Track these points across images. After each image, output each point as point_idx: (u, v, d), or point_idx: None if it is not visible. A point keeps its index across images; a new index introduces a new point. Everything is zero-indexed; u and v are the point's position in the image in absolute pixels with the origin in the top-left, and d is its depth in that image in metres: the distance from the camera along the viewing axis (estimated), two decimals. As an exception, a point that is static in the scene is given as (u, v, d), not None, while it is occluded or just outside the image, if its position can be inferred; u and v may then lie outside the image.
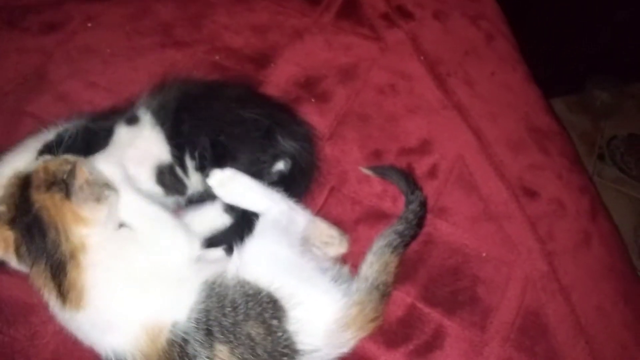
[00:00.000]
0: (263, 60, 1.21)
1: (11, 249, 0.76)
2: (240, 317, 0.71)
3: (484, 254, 1.00)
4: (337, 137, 1.11)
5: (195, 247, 0.81)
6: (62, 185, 0.73)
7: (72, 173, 0.72)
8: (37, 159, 0.81)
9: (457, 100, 1.18)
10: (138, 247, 0.76)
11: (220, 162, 0.91)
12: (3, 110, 1.08)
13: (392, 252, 0.87)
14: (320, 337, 0.74)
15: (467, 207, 1.05)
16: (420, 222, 0.94)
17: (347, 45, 1.24)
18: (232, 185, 0.86)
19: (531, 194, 1.09)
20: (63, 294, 0.73)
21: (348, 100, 1.16)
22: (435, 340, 0.93)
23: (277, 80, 1.17)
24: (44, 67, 1.15)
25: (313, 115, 1.11)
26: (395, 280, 0.88)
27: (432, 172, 1.07)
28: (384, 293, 0.83)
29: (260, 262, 0.77)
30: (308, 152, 1.00)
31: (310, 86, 1.17)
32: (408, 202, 0.96)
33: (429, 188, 1.03)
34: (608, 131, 2.23)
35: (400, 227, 0.91)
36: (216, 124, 0.94)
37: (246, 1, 1.30)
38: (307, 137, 1.02)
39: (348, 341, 0.78)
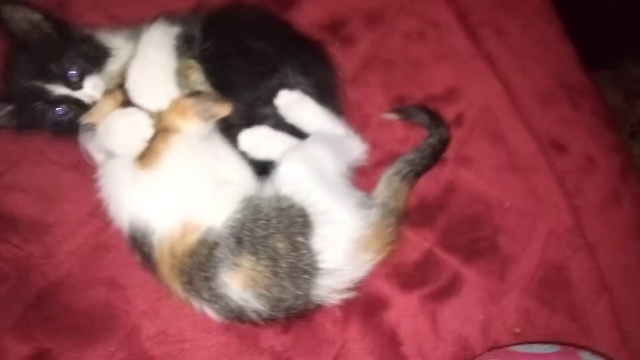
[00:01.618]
0: (287, 1, 1.20)
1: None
2: (271, 230, 0.76)
3: (507, 205, 1.00)
4: (360, 82, 1.10)
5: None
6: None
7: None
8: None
9: (487, 51, 1.16)
10: (212, 159, 0.85)
11: (221, 92, 0.90)
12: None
13: (401, 180, 0.89)
14: (340, 256, 0.78)
15: (492, 157, 1.04)
16: (434, 155, 0.95)
17: (375, -10, 1.22)
18: (298, 107, 0.91)
19: (560, 148, 1.07)
20: (143, 153, 0.82)
21: (373, 45, 1.14)
22: (451, 286, 0.93)
23: (301, 22, 1.14)
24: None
25: (336, 59, 1.10)
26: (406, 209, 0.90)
27: (458, 121, 1.06)
28: (399, 219, 0.86)
29: (304, 168, 0.81)
30: (323, 90, 0.98)
31: (334, 29, 1.16)
32: (430, 135, 0.97)
33: (454, 136, 1.02)
34: (641, 109, 2.18)
35: (410, 157, 0.93)
36: (224, 51, 0.93)
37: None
38: (324, 74, 1.00)
39: (366, 263, 0.81)
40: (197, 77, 0.90)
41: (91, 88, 0.85)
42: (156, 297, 0.86)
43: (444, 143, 0.96)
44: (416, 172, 0.92)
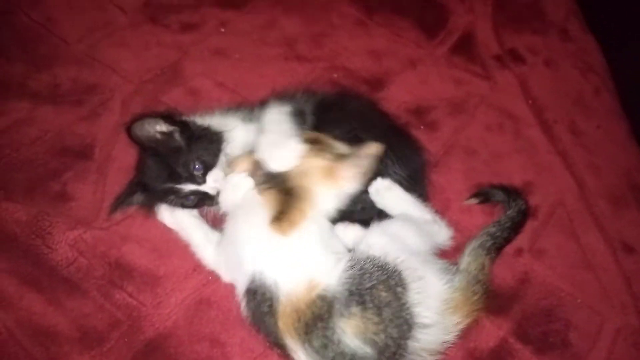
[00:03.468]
0: (377, 83, 1.30)
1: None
2: (374, 282, 0.85)
3: (578, 301, 1.04)
4: (443, 166, 1.17)
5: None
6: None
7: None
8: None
9: (562, 148, 1.23)
10: (328, 228, 0.96)
11: None
12: (142, 96, 1.21)
13: (486, 255, 0.96)
14: (434, 313, 0.85)
15: (564, 252, 1.10)
16: (514, 227, 1.02)
17: (458, 80, 1.32)
18: (388, 194, 1.00)
19: (629, 249, 1.12)
20: (280, 216, 0.90)
21: (455, 133, 1.23)
22: (523, 377, 0.97)
23: (389, 104, 1.24)
24: (179, 62, 1.28)
25: (421, 142, 1.18)
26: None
27: (533, 213, 1.12)
28: (484, 288, 0.92)
29: (386, 238, 0.91)
30: (415, 180, 1.06)
31: (420, 114, 1.25)
32: (507, 209, 1.04)
33: (529, 228, 1.08)
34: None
35: (492, 229, 1.00)
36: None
37: (366, 27, 1.41)
38: (417, 166, 1.08)
39: (455, 326, 0.87)
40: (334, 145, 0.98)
41: (213, 181, 0.97)
42: (253, 356, 0.92)
43: (523, 214, 1.03)
44: (498, 245, 0.99)
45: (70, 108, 1.17)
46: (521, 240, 1.07)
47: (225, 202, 0.98)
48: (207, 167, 0.97)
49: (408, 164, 1.04)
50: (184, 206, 0.98)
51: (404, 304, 0.84)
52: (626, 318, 1.04)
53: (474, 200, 1.12)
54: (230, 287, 0.96)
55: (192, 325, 0.94)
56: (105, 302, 0.93)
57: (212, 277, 0.98)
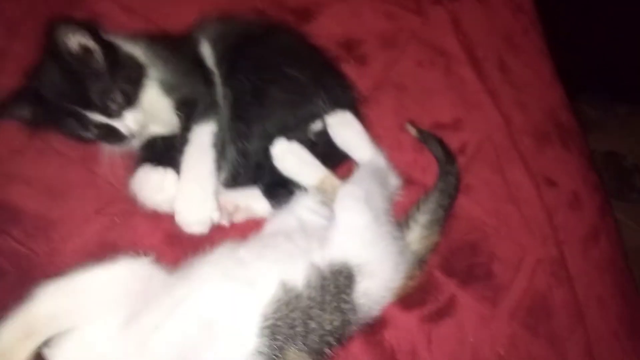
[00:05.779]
0: (305, 14, 1.15)
1: None
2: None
3: (502, 233, 1.00)
4: (373, 102, 1.06)
5: None
6: None
7: None
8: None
9: (491, 85, 1.16)
10: None
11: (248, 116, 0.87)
12: (32, 19, 0.99)
13: (439, 230, 0.87)
14: (375, 303, 0.76)
15: (491, 187, 1.04)
16: (456, 194, 0.93)
17: (389, 14, 1.19)
18: (348, 129, 0.89)
19: (551, 183, 1.08)
20: None
21: (386, 68, 1.12)
22: (447, 309, 0.92)
23: (317, 37, 1.10)
24: (80, -18, 1.06)
25: (351, 77, 1.06)
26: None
27: (462, 149, 1.05)
28: (423, 269, 0.85)
29: (356, 211, 0.76)
30: None
31: (350, 47, 1.13)
32: (445, 173, 0.95)
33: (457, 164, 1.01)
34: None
35: (445, 202, 0.91)
36: (260, 75, 0.88)
37: (293, -48, 1.23)
38: (349, 104, 0.97)
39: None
40: None
41: (133, 121, 0.79)
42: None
43: (458, 179, 0.95)
44: (446, 217, 0.91)
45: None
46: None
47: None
48: (127, 102, 0.79)
49: (339, 103, 0.92)
50: (81, 137, 0.81)
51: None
52: (546, 249, 1.01)
53: (413, 131, 1.02)
54: (142, 230, 0.83)
55: (94, 273, 0.79)
56: (-13, 249, 0.76)
57: (120, 220, 0.84)
